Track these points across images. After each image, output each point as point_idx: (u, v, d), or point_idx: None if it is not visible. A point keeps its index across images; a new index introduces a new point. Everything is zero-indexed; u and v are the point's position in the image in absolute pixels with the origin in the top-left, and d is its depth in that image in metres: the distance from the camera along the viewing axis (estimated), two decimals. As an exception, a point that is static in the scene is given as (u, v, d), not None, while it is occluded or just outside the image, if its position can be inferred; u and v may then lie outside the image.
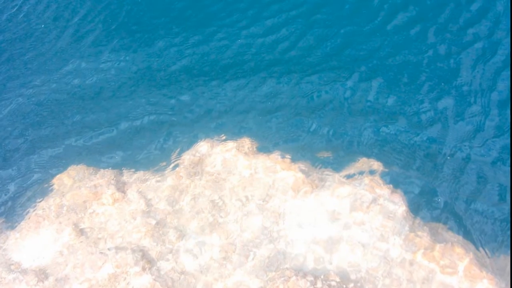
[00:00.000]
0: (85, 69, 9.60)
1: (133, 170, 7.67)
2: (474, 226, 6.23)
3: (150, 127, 8.30)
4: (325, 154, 7.30)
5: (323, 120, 7.75)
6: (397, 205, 6.38)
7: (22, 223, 7.12)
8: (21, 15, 11.15)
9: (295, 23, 9.45)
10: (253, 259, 6.25)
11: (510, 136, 6.96)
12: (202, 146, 7.64)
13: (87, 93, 9.13)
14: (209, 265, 6.29)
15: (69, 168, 7.82)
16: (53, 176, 7.75)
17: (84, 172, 7.65)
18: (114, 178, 7.44)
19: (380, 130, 7.45)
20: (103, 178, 7.45)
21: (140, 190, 7.24)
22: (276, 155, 7.33)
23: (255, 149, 7.55)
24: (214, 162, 7.36)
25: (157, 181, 7.31)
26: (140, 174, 7.56)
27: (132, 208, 6.99)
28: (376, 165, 7.01)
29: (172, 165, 7.54)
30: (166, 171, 7.47)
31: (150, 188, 7.25)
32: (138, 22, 10.37)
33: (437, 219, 6.37)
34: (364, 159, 7.14)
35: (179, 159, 7.58)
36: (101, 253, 6.51)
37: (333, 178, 6.89)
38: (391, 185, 6.68)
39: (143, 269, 6.27)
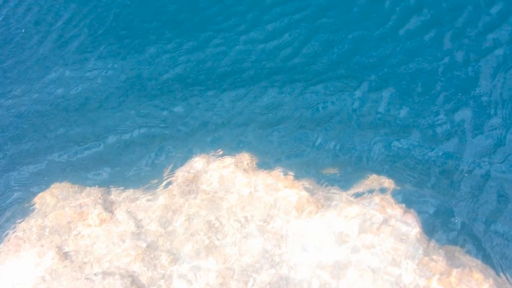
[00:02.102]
0: (70, 78, 9.70)
1: (121, 188, 7.78)
2: (494, 249, 6.35)
3: (141, 141, 8.41)
4: (331, 171, 7.44)
5: (329, 134, 7.91)
6: (410, 226, 6.53)
7: (1, 246, 7.21)
8: (-1, 19, 11.39)
9: (298, 27, 9.65)
10: (252, 285, 6.35)
11: (533, 151, 7.13)
12: (197, 162, 7.81)
13: (72, 104, 9.24)
14: (204, 292, 6.43)
15: (52, 185, 7.89)
16: (34, 194, 7.80)
17: (68, 190, 7.77)
18: (101, 197, 7.58)
19: (392, 144, 7.62)
20: (89, 196, 7.58)
21: (129, 210, 7.37)
22: (278, 172, 7.49)
23: (255, 165, 7.69)
24: (210, 179, 7.53)
25: (148, 200, 7.45)
26: (129, 192, 7.67)
27: (120, 229, 7.13)
28: (387, 182, 7.16)
29: (165, 182, 7.67)
30: (158, 189, 7.60)
31: (140, 207, 7.39)
32: (127, 27, 10.53)
33: (453, 242, 6.49)
34: (374, 176, 7.28)
35: (172, 176, 7.73)
36: (87, 278, 6.62)
37: (340, 197, 7.04)
38: (403, 205, 6.83)
39: (133, 296, 6.43)
